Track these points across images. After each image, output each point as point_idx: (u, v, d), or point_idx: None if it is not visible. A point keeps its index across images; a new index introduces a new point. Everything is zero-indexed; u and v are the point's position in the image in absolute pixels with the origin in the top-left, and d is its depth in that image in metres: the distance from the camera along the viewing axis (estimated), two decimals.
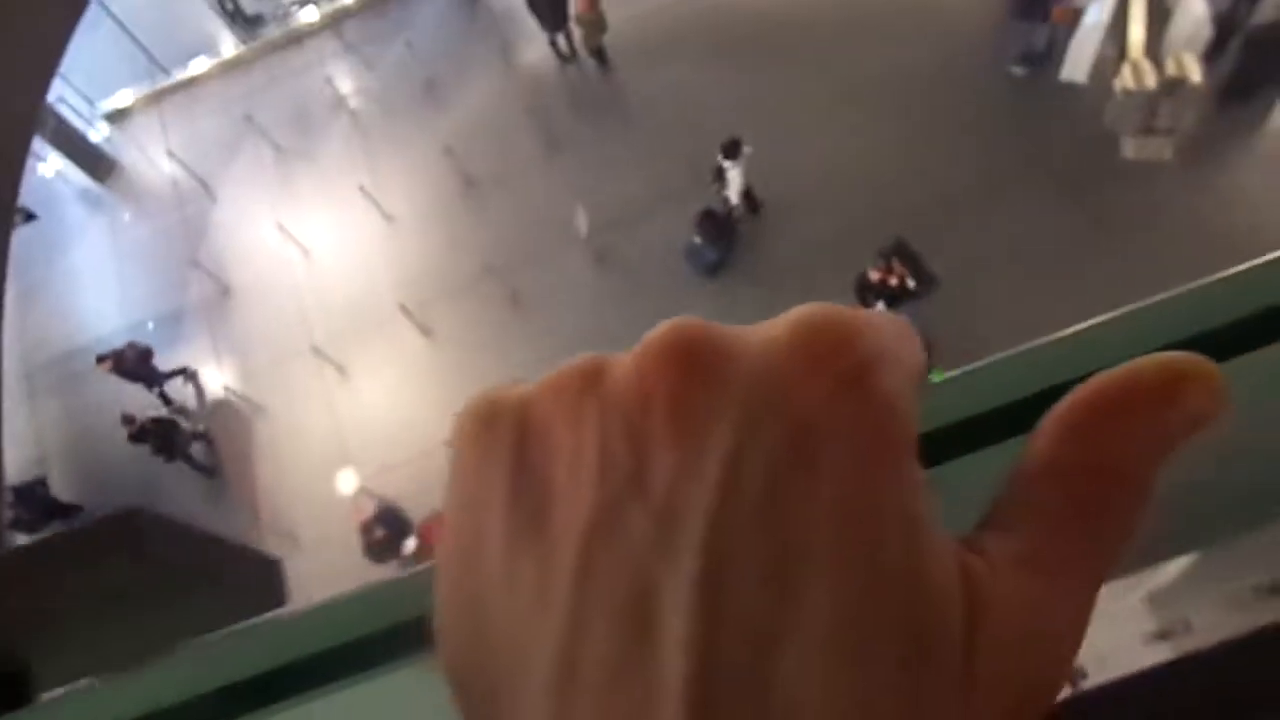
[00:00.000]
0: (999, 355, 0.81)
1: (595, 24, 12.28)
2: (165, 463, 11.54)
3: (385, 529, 10.59)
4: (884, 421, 0.37)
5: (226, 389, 12.04)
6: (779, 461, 0.35)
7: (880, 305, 9.83)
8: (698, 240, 11.24)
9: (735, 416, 0.36)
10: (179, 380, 12.26)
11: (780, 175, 11.48)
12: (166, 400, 12.14)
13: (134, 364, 11.75)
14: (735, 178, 10.76)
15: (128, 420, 11.29)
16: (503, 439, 0.40)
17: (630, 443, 0.37)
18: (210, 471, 11.94)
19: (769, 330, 0.39)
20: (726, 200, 11.16)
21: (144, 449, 11.43)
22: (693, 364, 0.38)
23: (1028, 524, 0.39)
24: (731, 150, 10.49)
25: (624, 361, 0.40)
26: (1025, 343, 0.77)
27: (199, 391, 12.35)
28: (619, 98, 12.74)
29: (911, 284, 9.52)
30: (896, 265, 9.52)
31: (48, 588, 1.45)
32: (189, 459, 11.82)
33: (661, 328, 0.40)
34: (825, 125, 11.76)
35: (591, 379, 0.40)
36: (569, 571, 0.36)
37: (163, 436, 11.40)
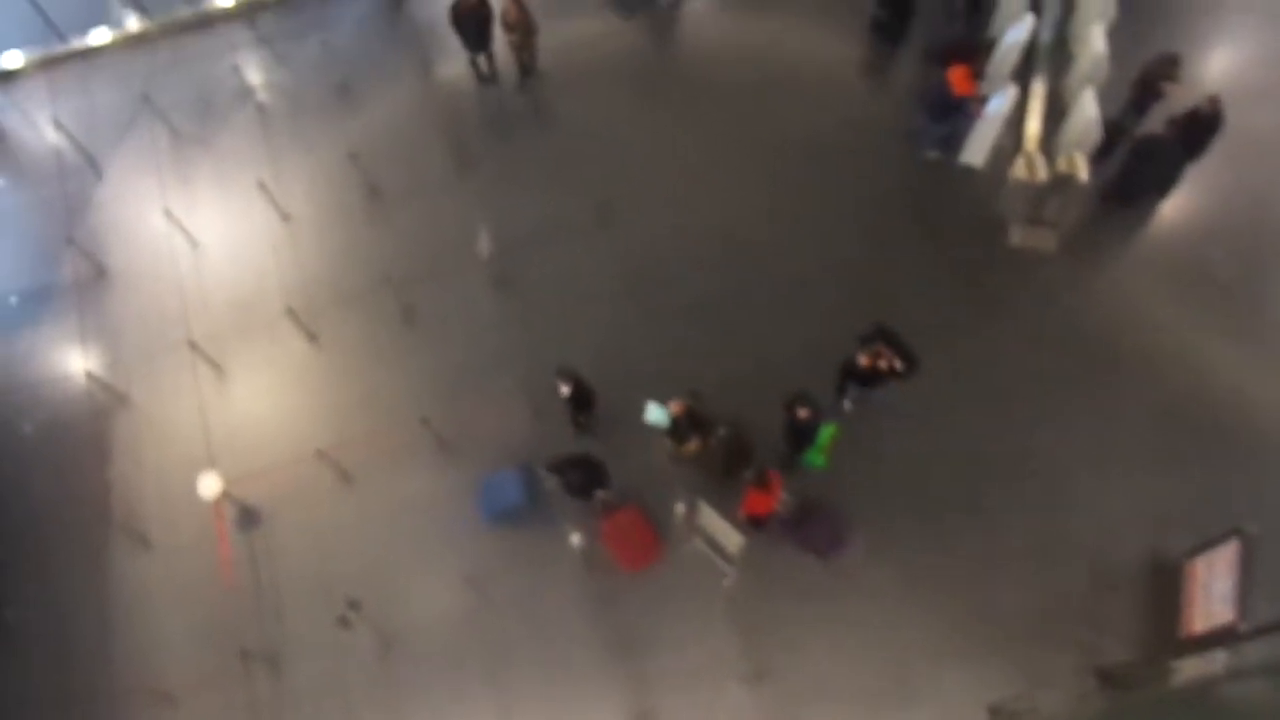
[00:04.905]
0: None
1: (525, 28, 12.09)
2: None
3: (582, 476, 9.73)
4: None
5: (89, 375, 11.41)
6: None
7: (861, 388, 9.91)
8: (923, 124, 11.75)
9: None
10: None
11: (673, 230, 11.67)
12: None
13: None
14: None
15: None
16: None
17: None
18: None
19: None
20: None
21: None
22: None
23: None
24: None
25: None
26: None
27: None
28: (534, 123, 12.67)
29: (900, 366, 9.48)
30: (884, 350, 9.47)
31: None
32: None
33: None
34: (730, 180, 11.99)
35: None
36: None
37: None
